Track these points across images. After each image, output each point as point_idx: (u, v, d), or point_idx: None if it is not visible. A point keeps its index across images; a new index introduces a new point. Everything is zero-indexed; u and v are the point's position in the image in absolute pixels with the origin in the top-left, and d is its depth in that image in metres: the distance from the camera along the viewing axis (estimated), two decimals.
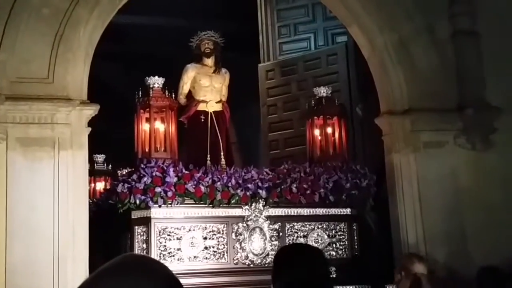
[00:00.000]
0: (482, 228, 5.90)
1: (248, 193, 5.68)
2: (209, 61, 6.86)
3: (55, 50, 5.30)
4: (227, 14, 7.59)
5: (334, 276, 5.42)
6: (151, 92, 5.85)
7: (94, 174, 8.49)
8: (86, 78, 5.46)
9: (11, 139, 5.12)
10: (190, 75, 6.77)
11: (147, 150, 5.76)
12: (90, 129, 5.41)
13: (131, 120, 6.04)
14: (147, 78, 5.87)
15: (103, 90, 7.99)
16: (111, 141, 8.62)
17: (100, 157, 8.71)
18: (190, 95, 6.82)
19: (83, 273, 4.93)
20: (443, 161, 6.04)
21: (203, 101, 6.71)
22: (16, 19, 5.25)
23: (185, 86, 6.78)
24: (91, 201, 7.37)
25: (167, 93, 5.95)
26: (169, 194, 5.41)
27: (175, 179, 5.46)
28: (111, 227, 5.98)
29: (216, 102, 6.75)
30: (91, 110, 5.37)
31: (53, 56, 5.29)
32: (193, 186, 5.49)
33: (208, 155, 6.42)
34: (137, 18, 8.58)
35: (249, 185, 5.71)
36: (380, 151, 6.31)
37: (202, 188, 5.53)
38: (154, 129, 5.82)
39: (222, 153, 6.55)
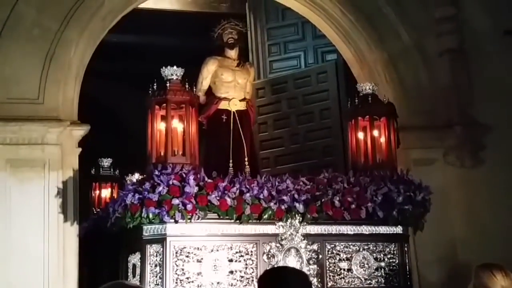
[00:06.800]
0: (472, 244, 5.92)
1: (283, 207, 4.81)
2: (233, 53, 6.11)
3: (45, 70, 5.32)
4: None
5: None
6: (168, 85, 4.87)
7: (99, 179, 7.63)
8: (77, 98, 5.49)
9: (1, 160, 5.12)
10: (210, 69, 5.98)
11: (162, 153, 4.79)
12: (80, 149, 5.41)
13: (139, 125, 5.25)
14: (163, 68, 4.90)
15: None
16: (118, 144, 8.01)
17: (106, 161, 7.73)
18: (210, 92, 6.02)
19: None
20: (433, 178, 6.05)
21: (225, 99, 5.94)
22: (7, 40, 5.27)
23: (205, 81, 5.98)
24: (95, 210, 6.97)
25: (187, 86, 4.94)
26: (189, 207, 4.53)
27: (196, 189, 4.59)
28: (118, 245, 5.24)
29: (240, 100, 6.00)
30: (82, 131, 5.38)
31: (44, 77, 5.31)
32: (217, 198, 4.63)
33: (231, 161, 5.73)
34: (126, 37, 8.57)
35: (284, 197, 4.82)
36: None
37: (228, 200, 4.65)
38: (171, 128, 4.83)
39: (246, 159, 5.85)
